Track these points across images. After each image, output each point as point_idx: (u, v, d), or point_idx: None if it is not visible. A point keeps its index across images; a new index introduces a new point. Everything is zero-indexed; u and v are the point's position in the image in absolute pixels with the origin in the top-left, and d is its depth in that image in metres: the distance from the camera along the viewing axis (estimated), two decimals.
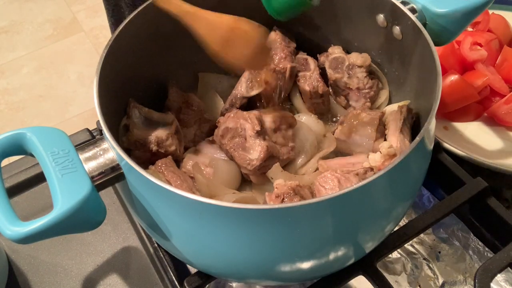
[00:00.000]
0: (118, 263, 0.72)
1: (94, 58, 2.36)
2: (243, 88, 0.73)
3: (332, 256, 0.55)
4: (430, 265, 0.73)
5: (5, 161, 0.58)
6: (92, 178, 0.52)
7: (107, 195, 0.77)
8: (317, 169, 0.69)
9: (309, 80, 0.76)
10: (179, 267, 0.69)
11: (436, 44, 0.61)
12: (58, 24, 2.58)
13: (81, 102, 2.20)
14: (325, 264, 0.56)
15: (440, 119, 0.86)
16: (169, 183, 0.62)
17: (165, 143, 0.67)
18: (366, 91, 0.75)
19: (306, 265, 0.55)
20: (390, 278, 0.65)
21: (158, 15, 0.69)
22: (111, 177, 0.54)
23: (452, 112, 0.86)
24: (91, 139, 0.81)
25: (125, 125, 0.67)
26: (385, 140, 0.68)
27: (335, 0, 0.74)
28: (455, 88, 0.84)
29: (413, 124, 0.68)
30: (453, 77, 0.84)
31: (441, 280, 0.72)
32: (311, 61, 0.77)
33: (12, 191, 0.76)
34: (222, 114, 0.74)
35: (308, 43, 0.82)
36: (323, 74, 0.77)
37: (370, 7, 0.71)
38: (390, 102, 0.77)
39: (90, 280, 0.70)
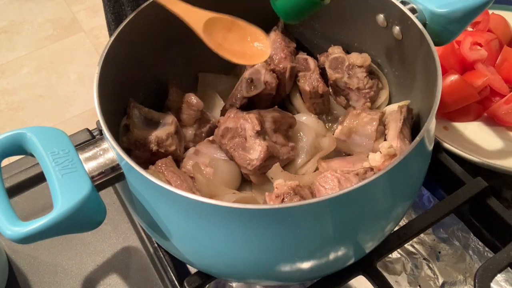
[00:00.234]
0: (118, 263, 0.72)
1: (94, 58, 2.36)
2: (243, 88, 0.73)
3: (332, 256, 0.55)
4: (430, 265, 0.73)
5: (5, 161, 0.58)
6: (92, 178, 0.52)
7: (107, 195, 0.77)
8: (317, 169, 0.69)
9: (309, 80, 0.76)
10: (179, 267, 0.69)
11: (436, 44, 0.61)
12: (58, 24, 2.59)
13: (81, 102, 2.20)
14: (325, 264, 0.56)
15: (440, 119, 0.86)
16: (169, 183, 0.62)
17: (165, 143, 0.67)
18: (366, 91, 0.75)
19: (306, 265, 0.55)
20: (390, 278, 0.66)
21: (158, 15, 0.69)
22: (111, 177, 0.54)
23: (452, 112, 0.86)
24: (91, 139, 0.81)
25: (125, 125, 0.67)
26: (385, 140, 0.68)
27: (335, 0, 0.74)
28: (455, 88, 0.84)
29: (413, 124, 0.68)
30: (453, 77, 0.84)
31: (441, 280, 0.72)
32: (311, 61, 0.77)
33: (12, 191, 0.76)
34: (222, 114, 0.74)
35: (308, 43, 0.82)
36: (323, 74, 0.77)
37: (370, 7, 0.71)
38: (390, 102, 0.77)
39: (90, 280, 0.70)
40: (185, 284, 0.63)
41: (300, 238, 0.51)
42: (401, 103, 0.70)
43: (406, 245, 0.74)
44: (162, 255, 0.70)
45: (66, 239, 0.74)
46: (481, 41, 0.90)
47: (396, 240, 0.67)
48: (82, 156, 0.53)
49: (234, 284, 0.72)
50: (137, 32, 0.68)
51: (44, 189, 0.78)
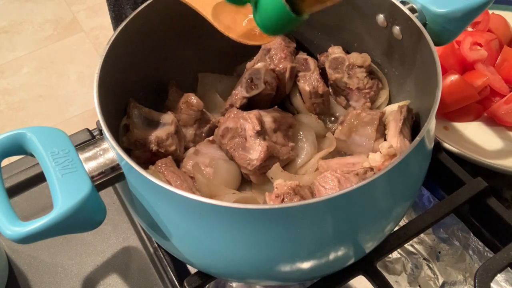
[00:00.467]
0: (118, 263, 0.72)
1: (94, 58, 2.36)
2: (243, 88, 0.73)
3: (332, 256, 0.55)
4: (430, 265, 0.73)
5: (5, 161, 0.58)
6: (92, 178, 0.52)
7: (107, 195, 0.77)
8: (317, 169, 0.69)
9: (309, 80, 0.76)
10: (179, 267, 0.69)
11: (436, 44, 0.61)
12: (58, 24, 2.58)
13: (81, 102, 2.20)
14: (325, 264, 0.56)
15: (440, 119, 0.86)
16: (169, 183, 0.62)
17: (165, 143, 0.67)
18: (366, 91, 0.75)
19: (306, 265, 0.55)
20: (390, 278, 0.65)
21: (158, 14, 0.69)
22: (111, 177, 0.54)
23: (452, 112, 0.86)
24: (91, 139, 0.81)
25: (125, 125, 0.67)
26: (385, 140, 0.68)
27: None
28: (455, 88, 0.84)
29: (413, 124, 0.68)
30: (453, 77, 0.84)
31: (441, 280, 0.72)
32: (311, 61, 0.77)
33: (12, 191, 0.76)
34: (222, 114, 0.74)
35: (308, 43, 0.82)
36: (323, 74, 0.77)
37: (370, 7, 0.71)
38: (390, 102, 0.77)
39: (90, 280, 0.70)
40: (185, 284, 0.63)
41: (300, 238, 0.51)
42: (401, 103, 0.70)
43: (406, 245, 0.74)
44: (162, 255, 0.70)
45: (66, 239, 0.74)
46: (481, 41, 0.90)
47: (396, 240, 0.67)
48: (82, 156, 0.53)
49: (234, 284, 0.72)
50: (137, 32, 0.68)
51: (44, 189, 0.78)
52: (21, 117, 2.17)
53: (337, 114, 0.78)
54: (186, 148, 0.73)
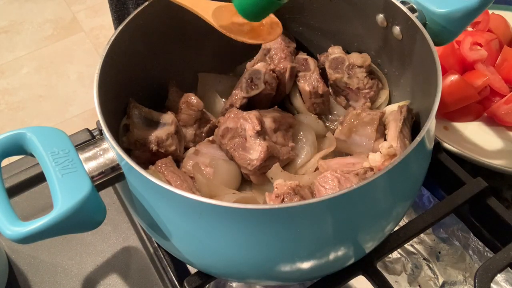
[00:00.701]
0: (118, 263, 0.72)
1: (94, 58, 2.36)
2: (243, 88, 0.73)
3: (332, 256, 0.55)
4: (430, 265, 0.73)
5: (5, 161, 0.58)
6: (92, 178, 0.52)
7: (107, 195, 0.77)
8: (317, 169, 0.69)
9: (309, 80, 0.76)
10: (179, 267, 0.69)
11: (436, 44, 0.61)
12: (58, 24, 2.58)
13: (81, 102, 2.20)
14: (325, 264, 0.56)
15: (440, 119, 0.86)
16: (169, 183, 0.62)
17: (165, 143, 0.67)
18: (366, 91, 0.75)
19: (306, 265, 0.55)
20: (390, 278, 0.66)
21: (158, 14, 0.69)
22: (111, 177, 0.54)
23: (452, 112, 0.86)
24: (91, 139, 0.81)
25: (125, 125, 0.67)
26: (385, 140, 0.68)
27: (335, 0, 0.74)
28: (455, 88, 0.84)
29: (413, 124, 0.68)
30: (453, 77, 0.84)
31: (441, 280, 0.72)
32: (311, 61, 0.77)
33: (12, 191, 0.76)
34: (222, 114, 0.74)
35: (308, 43, 0.82)
36: (323, 74, 0.77)
37: (370, 7, 0.71)
38: (390, 102, 0.77)
39: (90, 280, 0.70)
40: (185, 284, 0.63)
41: (300, 238, 0.51)
42: (401, 103, 0.70)
43: (406, 245, 0.74)
44: (162, 255, 0.70)
45: (66, 239, 0.74)
46: (481, 41, 0.90)
47: (396, 240, 0.67)
48: (82, 156, 0.53)
49: (234, 284, 0.72)
50: (137, 32, 0.68)
51: (44, 189, 0.78)
52: (21, 117, 2.17)
53: (337, 114, 0.78)
54: (186, 148, 0.73)
